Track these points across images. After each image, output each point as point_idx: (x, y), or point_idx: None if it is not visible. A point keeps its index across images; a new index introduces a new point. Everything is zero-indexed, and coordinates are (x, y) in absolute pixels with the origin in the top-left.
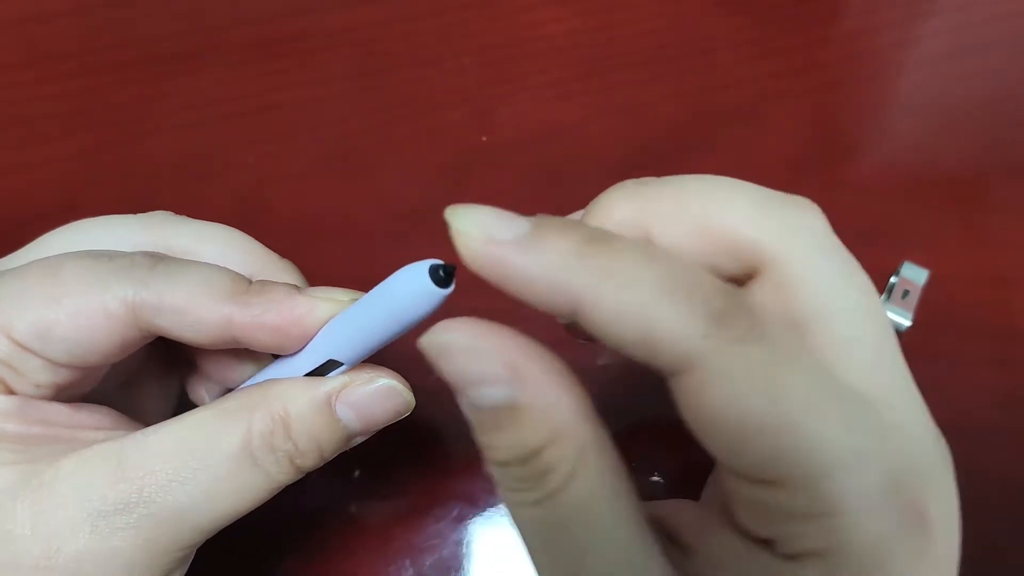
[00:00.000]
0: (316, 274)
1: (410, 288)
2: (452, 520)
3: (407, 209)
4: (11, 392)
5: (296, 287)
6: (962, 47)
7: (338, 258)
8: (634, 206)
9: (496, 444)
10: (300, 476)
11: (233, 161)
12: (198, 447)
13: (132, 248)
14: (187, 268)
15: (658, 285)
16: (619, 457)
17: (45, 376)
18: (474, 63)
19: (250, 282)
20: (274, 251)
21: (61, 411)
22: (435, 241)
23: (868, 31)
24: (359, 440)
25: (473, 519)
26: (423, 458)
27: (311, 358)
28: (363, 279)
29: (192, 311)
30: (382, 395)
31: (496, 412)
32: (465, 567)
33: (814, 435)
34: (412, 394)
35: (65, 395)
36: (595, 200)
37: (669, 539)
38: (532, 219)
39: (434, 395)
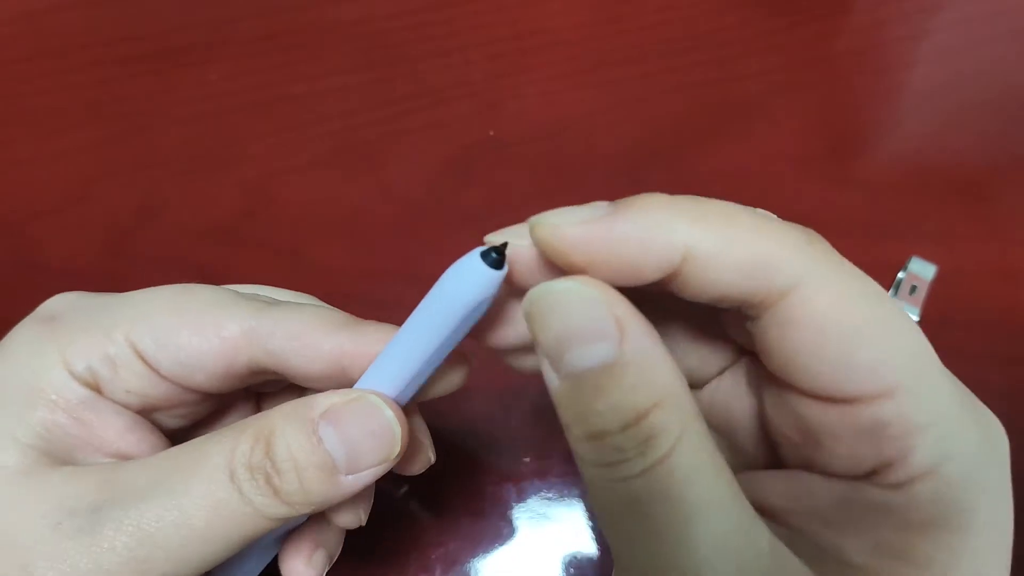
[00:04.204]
0: (321, 265)
1: (466, 277)
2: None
3: (413, 201)
4: (92, 387)
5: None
6: (970, 41)
7: (344, 249)
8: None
9: (597, 410)
10: (286, 512)
11: (240, 153)
12: (182, 462)
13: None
14: (303, 306)
15: (755, 220)
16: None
17: (140, 384)
18: (481, 56)
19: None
20: (281, 243)
21: (116, 422)
22: (441, 233)
23: (876, 24)
24: (349, 488)
25: (482, 522)
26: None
27: (383, 376)
28: (368, 270)
29: (306, 337)
30: (364, 414)
31: (597, 374)
32: (477, 567)
33: (921, 340)
34: (402, 432)
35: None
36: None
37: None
38: (604, 203)
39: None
